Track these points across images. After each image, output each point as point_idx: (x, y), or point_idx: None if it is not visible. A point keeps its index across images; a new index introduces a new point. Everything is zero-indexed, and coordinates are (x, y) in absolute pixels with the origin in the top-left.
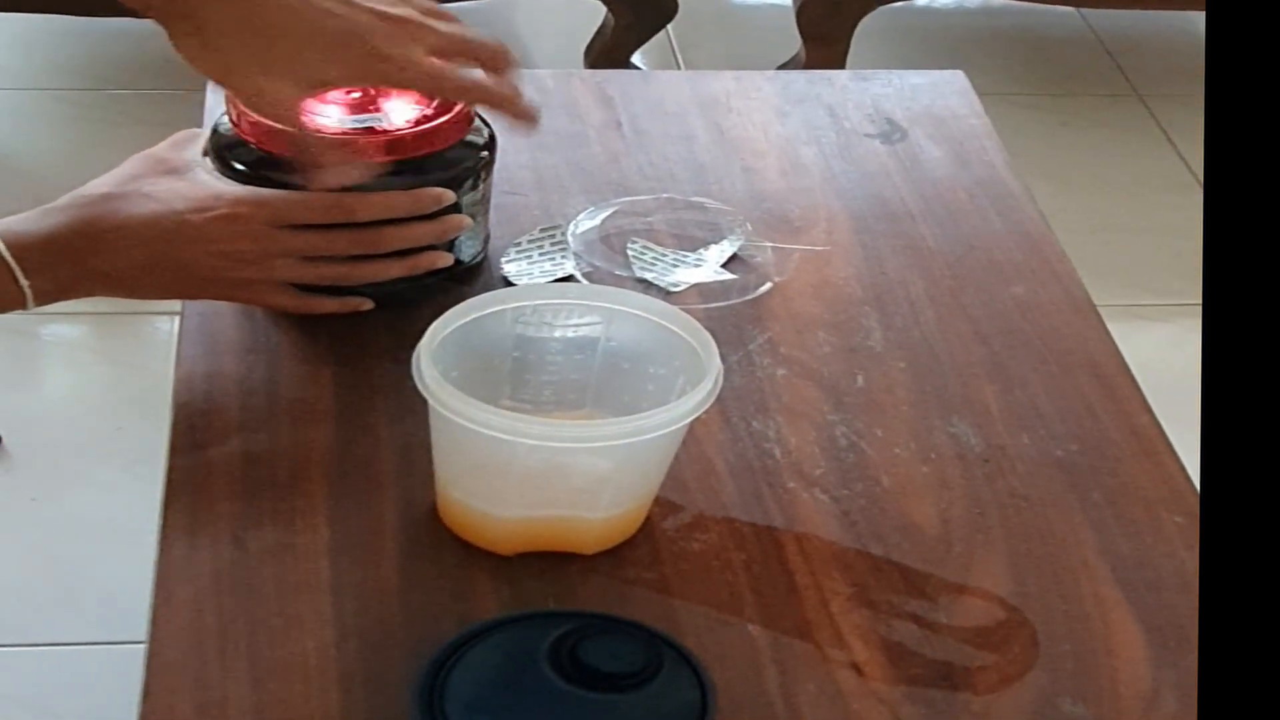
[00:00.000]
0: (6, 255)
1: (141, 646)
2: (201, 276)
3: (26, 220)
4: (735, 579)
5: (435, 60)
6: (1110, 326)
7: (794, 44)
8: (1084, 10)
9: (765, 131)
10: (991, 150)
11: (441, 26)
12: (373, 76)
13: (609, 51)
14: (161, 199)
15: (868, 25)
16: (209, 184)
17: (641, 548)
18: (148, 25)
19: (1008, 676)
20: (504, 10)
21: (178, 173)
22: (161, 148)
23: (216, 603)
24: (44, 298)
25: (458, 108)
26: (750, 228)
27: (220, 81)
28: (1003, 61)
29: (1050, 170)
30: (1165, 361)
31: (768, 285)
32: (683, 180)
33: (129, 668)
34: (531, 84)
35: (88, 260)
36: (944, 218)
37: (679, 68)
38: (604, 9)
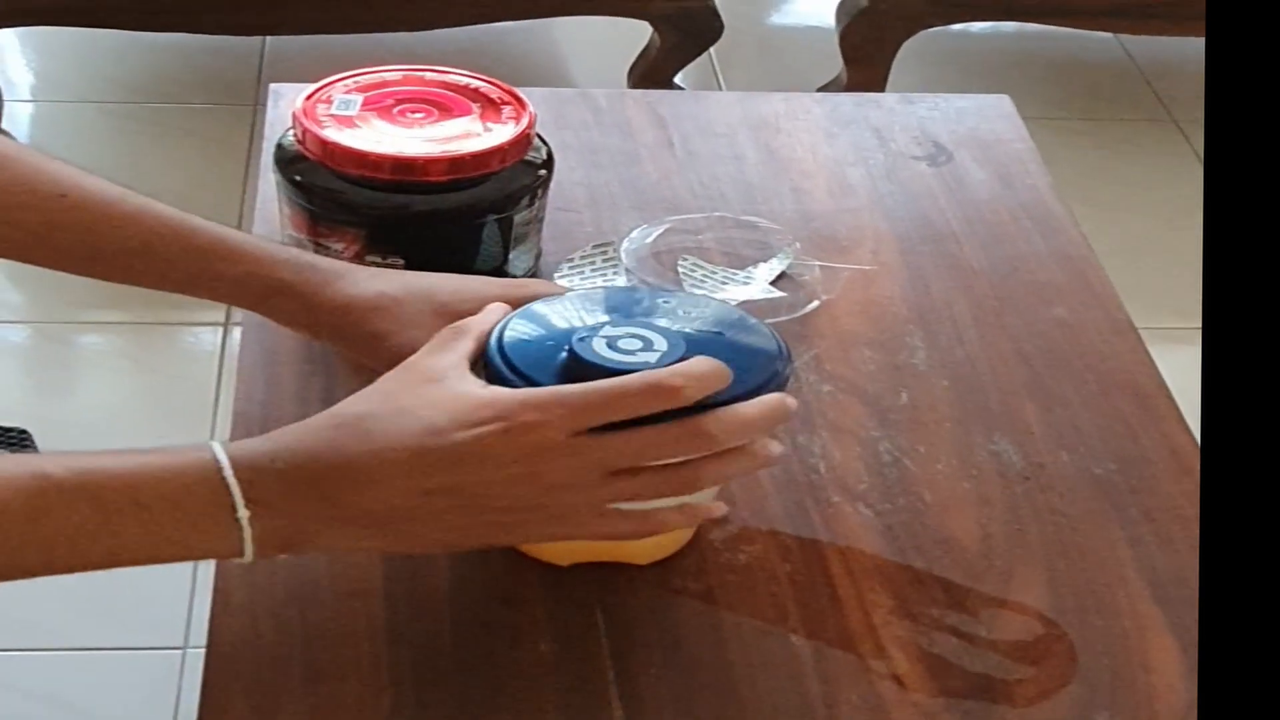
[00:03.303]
0: (232, 484)
1: (177, 652)
2: (501, 511)
3: (260, 442)
4: (779, 590)
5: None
6: (1148, 348)
7: (834, 66)
8: (1120, 36)
9: (814, 152)
10: (1035, 173)
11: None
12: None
13: (652, 72)
14: (421, 415)
15: (907, 49)
16: (475, 391)
17: (689, 558)
18: (194, 40)
19: (1046, 690)
20: (546, 31)
21: (436, 382)
22: (418, 355)
23: (272, 608)
24: (268, 547)
25: (520, 128)
26: (799, 246)
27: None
28: (1039, 86)
29: (1085, 193)
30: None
31: (815, 303)
32: (733, 199)
33: (166, 672)
34: (585, 103)
35: (339, 497)
36: (988, 239)
37: (720, 88)
38: (646, 30)
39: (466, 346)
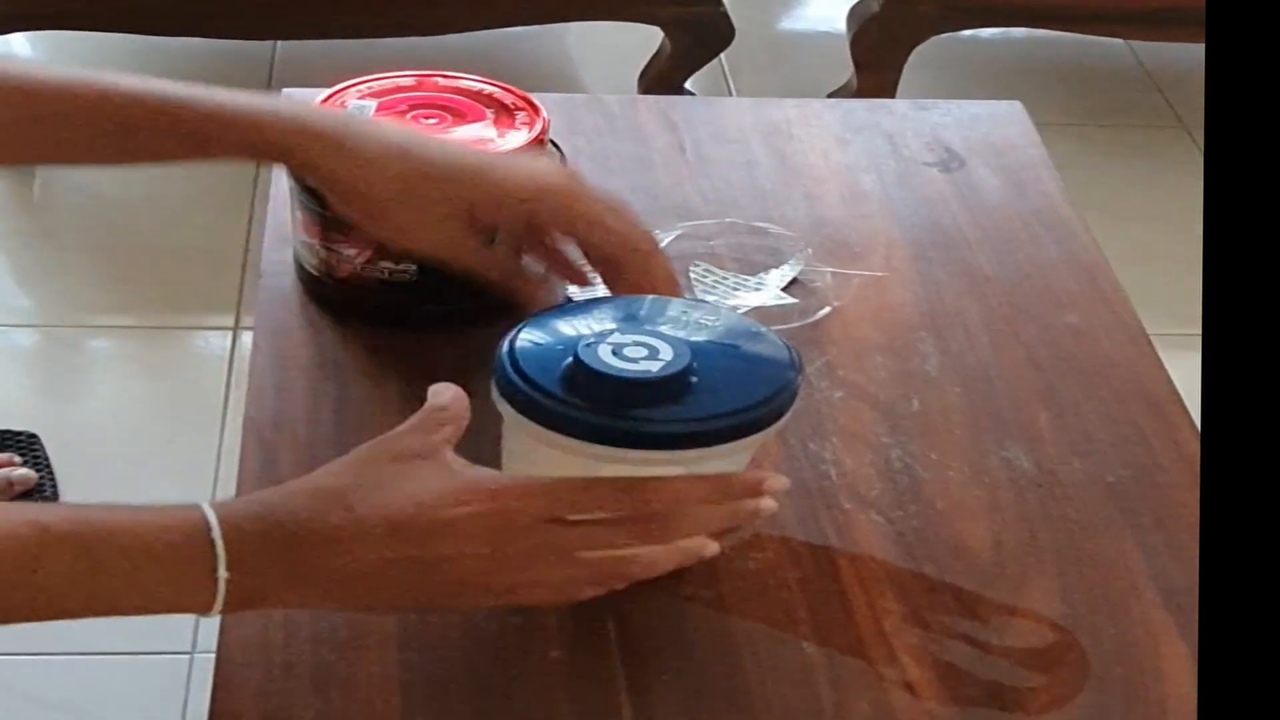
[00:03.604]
0: (219, 546)
1: (185, 657)
2: (454, 583)
3: (245, 505)
4: (791, 597)
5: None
6: (1160, 355)
7: (845, 71)
8: (1131, 42)
9: (826, 158)
10: (1048, 180)
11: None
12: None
13: (664, 77)
14: (405, 489)
15: (918, 55)
16: (462, 473)
17: (700, 565)
18: (204, 44)
19: (1058, 698)
20: (558, 36)
21: (423, 458)
22: (401, 431)
23: (282, 615)
24: (237, 602)
25: (533, 133)
26: (810, 253)
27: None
28: (1050, 92)
29: (1096, 200)
30: None
31: (827, 310)
32: (745, 205)
33: (173, 677)
34: (597, 109)
35: (308, 561)
36: (1000, 246)
37: (730, 94)
38: (657, 35)
39: (447, 433)
